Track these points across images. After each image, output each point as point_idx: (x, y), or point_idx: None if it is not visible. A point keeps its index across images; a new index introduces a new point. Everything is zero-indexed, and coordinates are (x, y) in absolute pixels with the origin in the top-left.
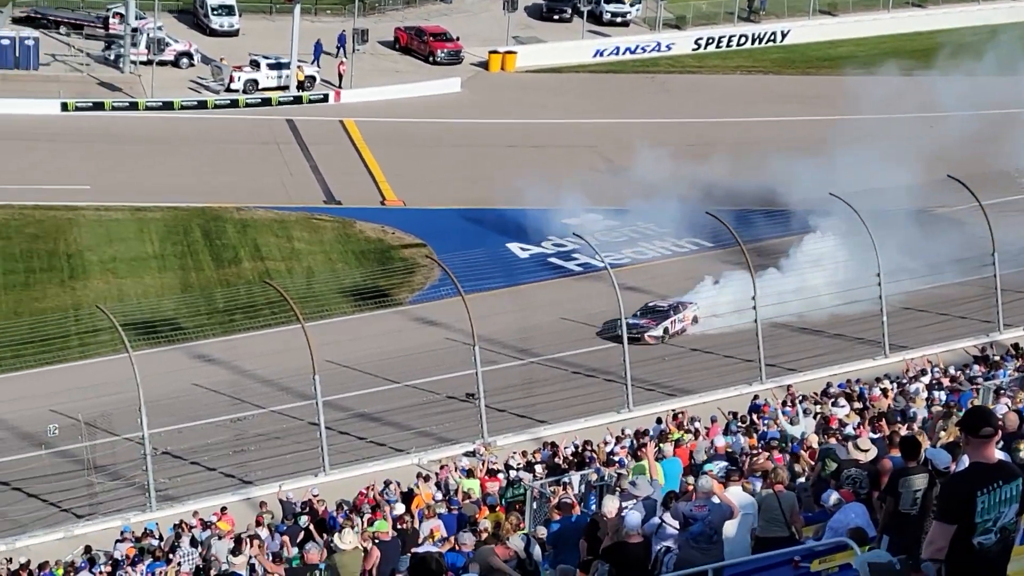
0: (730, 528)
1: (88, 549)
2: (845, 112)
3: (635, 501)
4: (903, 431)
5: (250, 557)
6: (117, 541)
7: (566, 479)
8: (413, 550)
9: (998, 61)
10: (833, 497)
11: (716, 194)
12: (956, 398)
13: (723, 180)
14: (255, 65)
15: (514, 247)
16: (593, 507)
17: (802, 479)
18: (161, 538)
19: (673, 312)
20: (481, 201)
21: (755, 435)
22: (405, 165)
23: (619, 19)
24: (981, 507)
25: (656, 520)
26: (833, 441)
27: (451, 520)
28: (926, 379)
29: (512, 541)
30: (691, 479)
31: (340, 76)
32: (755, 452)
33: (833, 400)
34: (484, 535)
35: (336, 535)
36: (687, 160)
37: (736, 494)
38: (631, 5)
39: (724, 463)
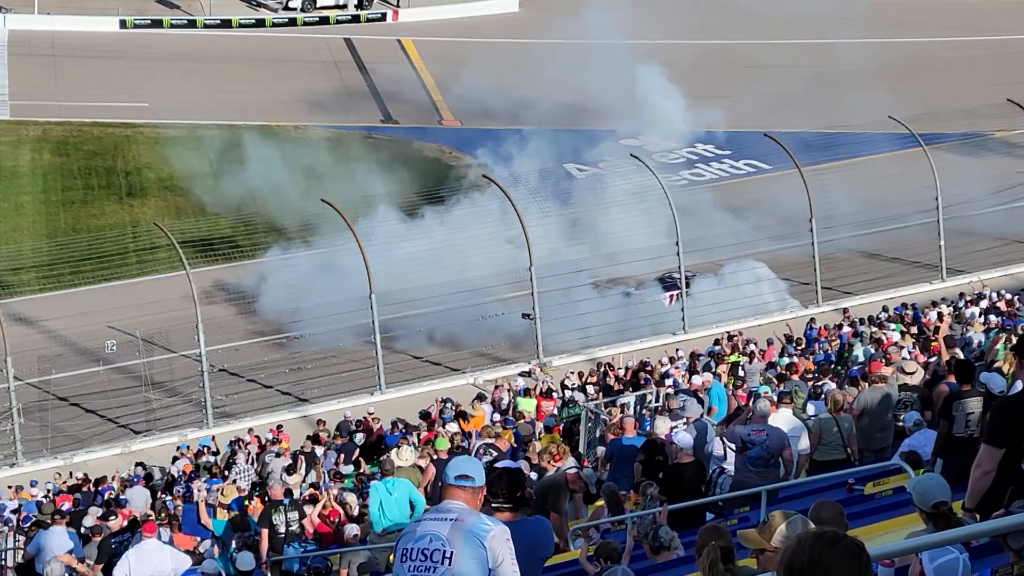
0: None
1: (142, 465)
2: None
3: (685, 422)
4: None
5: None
6: (174, 458)
7: (623, 400)
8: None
9: None
10: (914, 418)
11: (773, 116)
12: (1013, 323)
13: (782, 103)
14: None
15: (571, 167)
16: (648, 428)
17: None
18: (217, 453)
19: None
20: (539, 121)
21: (810, 358)
22: (462, 85)
23: None
24: None
25: (713, 443)
26: (795, 377)
27: (500, 432)
28: (983, 303)
29: (569, 469)
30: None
31: None
32: (811, 375)
33: (881, 323)
34: (534, 459)
35: (394, 451)
36: (745, 81)
37: (786, 417)
38: None
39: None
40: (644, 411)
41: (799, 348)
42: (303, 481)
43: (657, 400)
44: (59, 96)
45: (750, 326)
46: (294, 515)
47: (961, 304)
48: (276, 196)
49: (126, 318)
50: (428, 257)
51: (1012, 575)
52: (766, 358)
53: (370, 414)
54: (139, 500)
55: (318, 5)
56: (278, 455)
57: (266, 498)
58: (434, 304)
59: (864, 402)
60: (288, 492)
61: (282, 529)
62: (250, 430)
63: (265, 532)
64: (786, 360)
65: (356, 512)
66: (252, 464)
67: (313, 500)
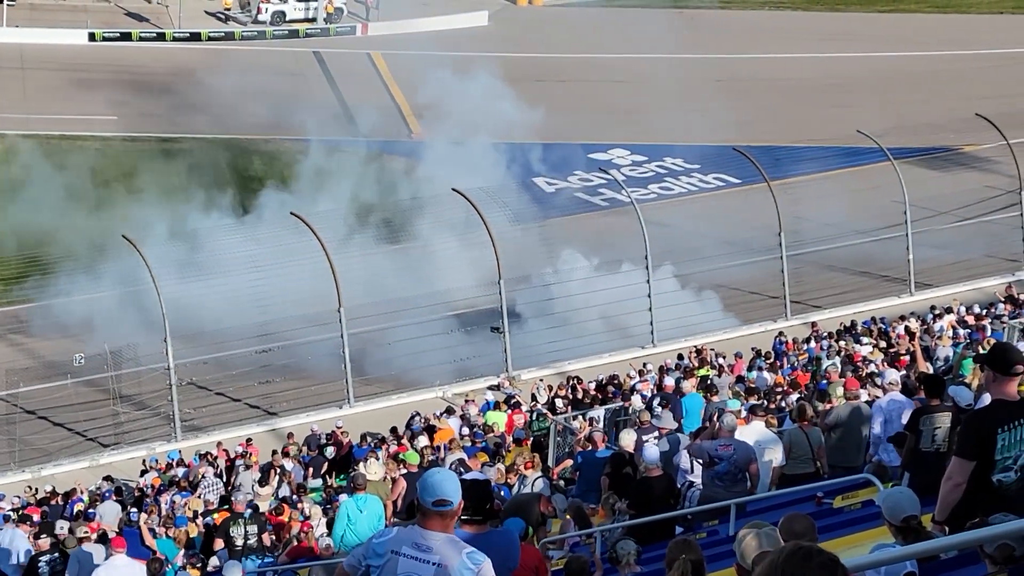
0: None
1: (110, 478)
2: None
3: (656, 435)
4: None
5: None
6: (143, 471)
7: (592, 413)
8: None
9: None
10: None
11: (742, 130)
12: (981, 336)
13: (747, 117)
14: None
15: (540, 181)
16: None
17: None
18: (184, 464)
19: None
20: (507, 135)
21: (780, 372)
22: (432, 98)
23: None
24: (1001, 444)
25: (680, 458)
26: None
27: (475, 453)
28: (952, 317)
29: (539, 486)
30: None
31: (367, 8)
32: (780, 389)
33: (855, 337)
34: (499, 476)
35: (362, 464)
36: (715, 96)
37: (759, 430)
38: None
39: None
40: (613, 424)
41: (768, 361)
42: (273, 495)
43: (626, 413)
44: (28, 109)
45: (719, 340)
46: (253, 529)
47: (929, 317)
48: (240, 207)
49: (95, 331)
50: (398, 271)
51: None
52: (735, 372)
53: (339, 428)
54: (110, 515)
55: (287, 19)
56: (247, 468)
57: (229, 509)
58: (398, 319)
59: (837, 417)
60: (253, 505)
61: (239, 542)
62: (219, 443)
63: (219, 542)
64: (754, 375)
65: (318, 524)
66: (220, 477)
67: (277, 512)
